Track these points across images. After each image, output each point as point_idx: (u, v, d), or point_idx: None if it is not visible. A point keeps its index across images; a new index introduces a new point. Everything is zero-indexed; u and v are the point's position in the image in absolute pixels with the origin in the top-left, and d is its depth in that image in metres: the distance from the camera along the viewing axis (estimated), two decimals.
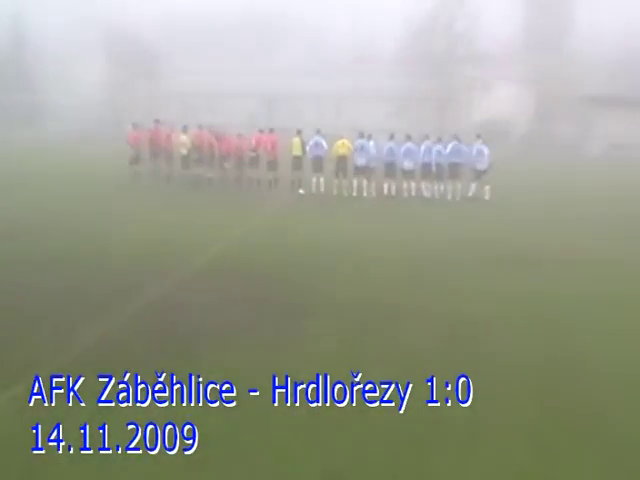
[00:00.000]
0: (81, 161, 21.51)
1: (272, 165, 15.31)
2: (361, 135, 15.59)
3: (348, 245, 8.98)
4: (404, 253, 8.52)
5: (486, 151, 15.10)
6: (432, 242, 9.42)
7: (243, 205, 13.08)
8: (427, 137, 15.52)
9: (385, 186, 15.33)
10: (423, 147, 15.17)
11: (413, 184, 15.25)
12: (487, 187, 14.93)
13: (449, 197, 15.13)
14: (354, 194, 15.08)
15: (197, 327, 5.48)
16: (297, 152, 15.15)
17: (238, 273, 7.19)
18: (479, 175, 15.07)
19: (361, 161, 15.16)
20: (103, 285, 6.52)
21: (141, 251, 8.07)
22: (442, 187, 15.27)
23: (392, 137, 15.57)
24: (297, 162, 15.18)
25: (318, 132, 15.50)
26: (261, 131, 15.69)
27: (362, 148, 15.22)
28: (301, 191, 15.23)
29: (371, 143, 15.31)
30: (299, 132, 15.50)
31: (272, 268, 7.47)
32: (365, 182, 15.20)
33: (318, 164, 15.18)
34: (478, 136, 15.49)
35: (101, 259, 7.66)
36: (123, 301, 5.95)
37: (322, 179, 15.19)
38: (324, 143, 15.17)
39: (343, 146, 15.15)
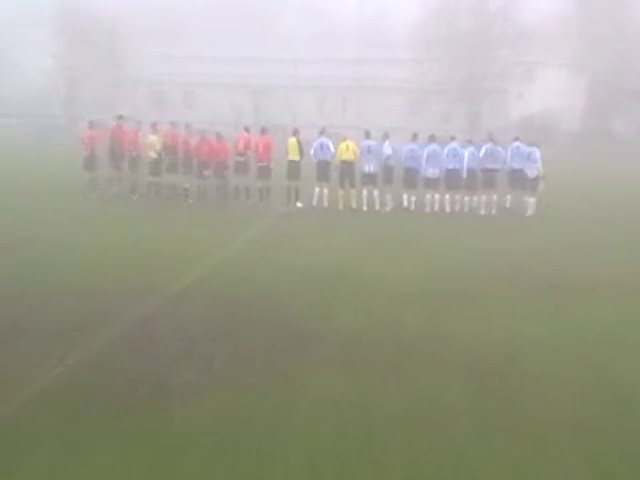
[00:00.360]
0: (21, 165, 21.56)
1: (264, 172, 15.33)
2: (367, 135, 15.70)
3: (355, 276, 8.89)
4: (426, 287, 8.42)
5: (537, 154, 15.25)
6: (462, 273, 9.34)
7: (227, 223, 13.18)
8: (453, 138, 15.73)
9: (404, 197, 15.44)
10: (450, 150, 15.34)
11: (437, 196, 15.39)
12: (532, 200, 15.10)
13: (482, 211, 15.29)
14: (364, 208, 15.22)
15: (165, 371, 5.49)
16: (294, 156, 15.24)
17: (216, 310, 7.15)
18: (530, 185, 15.16)
19: (369, 167, 15.30)
20: (44, 324, 6.51)
21: (93, 284, 7.93)
22: (475, 199, 15.43)
23: (415, 137, 15.71)
24: (294, 168, 15.28)
25: (323, 132, 15.66)
26: (246, 129, 15.85)
27: (369, 151, 15.32)
28: (299, 204, 15.38)
29: (386, 143, 15.46)
30: (296, 131, 15.62)
31: (259, 304, 7.42)
32: (376, 193, 15.33)
33: (325, 171, 15.28)
34: (516, 138, 15.74)
35: (41, 295, 7.38)
36: (66, 347, 5.95)
37: (326, 190, 15.30)
38: (331, 145, 15.31)
39: (348, 149, 15.23)
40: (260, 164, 15.33)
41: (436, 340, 6.40)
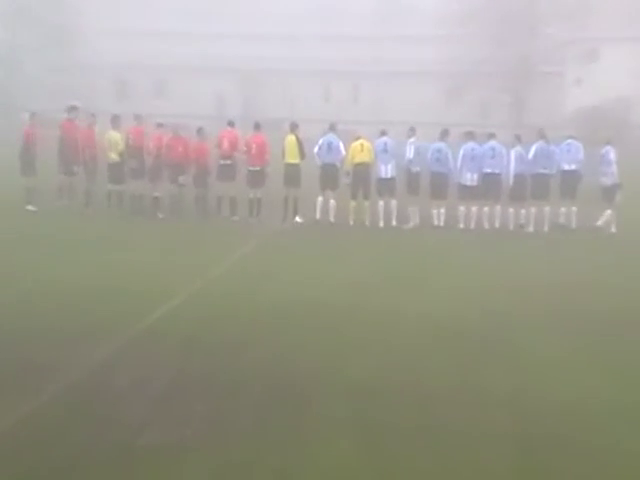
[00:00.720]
0: None
1: (255, 179, 15.49)
2: (383, 133, 15.88)
3: (367, 312, 8.87)
4: (457, 328, 8.33)
5: (612, 155, 15.40)
6: (506, 310, 9.28)
7: (207, 244, 13.18)
8: (492, 135, 15.84)
9: (434, 213, 15.49)
10: (489, 150, 15.45)
11: (474, 209, 15.44)
12: (608, 212, 15.23)
13: (531, 228, 15.37)
14: (380, 224, 15.38)
15: (129, 434, 5.47)
16: (292, 158, 15.43)
17: (190, 357, 7.17)
18: (607, 195, 15.31)
19: (385, 170, 15.46)
20: None
21: (33, 327, 7.89)
22: (522, 212, 15.51)
23: (444, 134, 15.81)
24: (292, 174, 15.42)
25: (332, 128, 15.79)
26: (231, 124, 16.00)
27: (386, 150, 15.49)
28: (298, 219, 15.51)
29: (411, 140, 15.55)
30: (295, 127, 15.74)
31: (245, 349, 7.40)
32: (394, 204, 15.43)
33: (331, 177, 15.42)
34: (570, 136, 15.78)
35: None
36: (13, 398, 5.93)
37: (333, 201, 15.47)
38: (341, 145, 15.48)
39: (362, 150, 15.40)
40: (251, 168, 15.50)
41: (471, 398, 6.32)
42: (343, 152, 15.38)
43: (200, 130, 15.98)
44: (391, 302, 9.40)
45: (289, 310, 8.82)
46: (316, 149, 15.44)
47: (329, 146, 15.34)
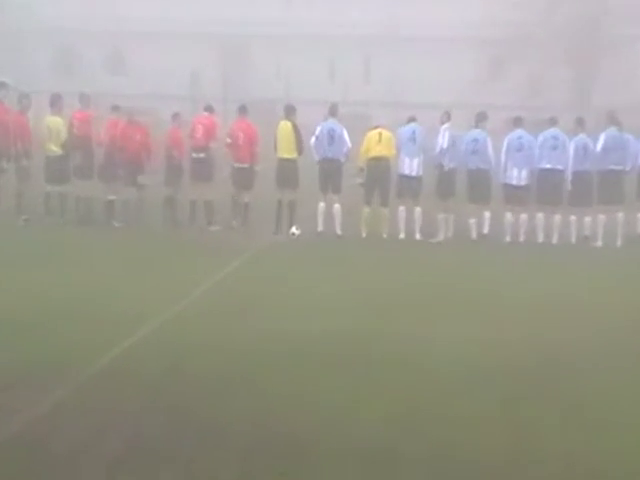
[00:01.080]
0: None
1: (241, 179, 15.73)
2: (412, 119, 16.04)
3: (381, 349, 8.92)
4: (500, 366, 8.37)
5: None
6: (566, 345, 9.28)
7: (176, 261, 13.17)
8: (554, 121, 15.92)
9: (472, 222, 15.52)
10: (547, 140, 15.49)
11: (524, 216, 15.45)
12: None
13: (599, 242, 15.34)
14: (401, 236, 15.45)
15: None
16: (287, 151, 15.58)
17: (155, 405, 7.21)
18: None
19: (410, 165, 15.53)
20: None
21: None
22: (587, 220, 15.52)
23: (481, 119, 15.92)
24: (288, 172, 15.59)
25: (332, 112, 15.99)
26: (209, 109, 16.25)
27: (413, 138, 15.58)
28: (294, 230, 15.58)
29: (443, 129, 15.61)
30: (290, 111, 15.95)
31: (224, 397, 7.43)
32: (419, 211, 15.48)
33: (333, 176, 15.52)
34: None
35: None
36: None
37: (338, 206, 15.51)
38: (345, 134, 15.59)
39: (380, 141, 15.51)
40: (237, 165, 15.74)
41: (520, 460, 6.24)
42: (348, 143, 15.56)
43: (176, 116, 16.22)
44: (412, 332, 9.44)
45: (279, 345, 8.84)
46: (313, 140, 15.61)
47: (330, 135, 15.49)
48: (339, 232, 15.45)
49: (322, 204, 15.57)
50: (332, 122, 15.70)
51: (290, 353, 8.66)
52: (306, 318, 9.99)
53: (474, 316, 10.40)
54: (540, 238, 15.42)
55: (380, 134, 15.55)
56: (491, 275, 12.95)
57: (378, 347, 8.99)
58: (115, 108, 16.57)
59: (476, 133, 15.69)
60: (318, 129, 15.61)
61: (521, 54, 38.79)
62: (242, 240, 14.89)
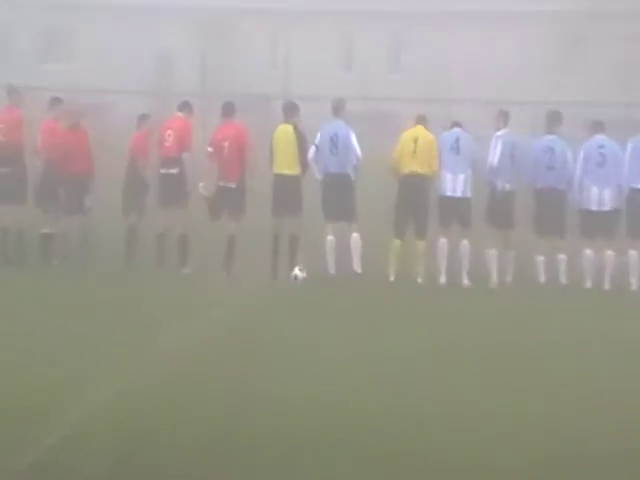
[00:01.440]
0: None
1: (228, 202, 15.82)
2: (456, 124, 16.47)
3: (412, 436, 8.62)
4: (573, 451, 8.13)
5: None
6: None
7: (134, 317, 13.22)
8: None
9: (539, 261, 15.55)
10: (637, 149, 15.68)
11: (611, 253, 15.42)
12: None
13: None
14: (442, 280, 15.64)
15: None
16: (287, 166, 15.93)
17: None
18: None
19: (453, 184, 15.80)
20: None
21: None
22: None
23: (555, 121, 16.05)
24: (288, 193, 16.01)
25: (336, 111, 16.35)
26: (184, 108, 16.53)
27: (457, 150, 15.83)
28: (297, 272, 15.58)
29: (499, 133, 15.81)
30: (291, 110, 16.27)
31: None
32: (466, 244, 15.60)
33: (340, 197, 15.89)
34: None
35: None
36: None
37: (357, 235, 15.62)
38: (353, 139, 15.86)
39: (415, 150, 15.73)
40: (223, 184, 16.00)
41: None
42: (358, 151, 15.91)
43: (144, 118, 16.73)
44: (457, 415, 9.31)
45: (285, 426, 8.67)
46: (312, 151, 16.03)
47: (332, 142, 15.59)
48: (358, 271, 15.68)
49: (330, 237, 15.79)
50: (336, 124, 16.11)
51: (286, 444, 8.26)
52: (314, 386, 10.01)
53: (532, 386, 10.37)
54: (635, 284, 15.37)
55: (416, 140, 15.83)
56: (564, 334, 12.97)
57: (406, 423, 8.84)
58: (54, 102, 16.79)
59: (551, 141, 15.90)
60: (318, 136, 15.94)
61: (601, 32, 38.82)
62: (226, 287, 14.99)
